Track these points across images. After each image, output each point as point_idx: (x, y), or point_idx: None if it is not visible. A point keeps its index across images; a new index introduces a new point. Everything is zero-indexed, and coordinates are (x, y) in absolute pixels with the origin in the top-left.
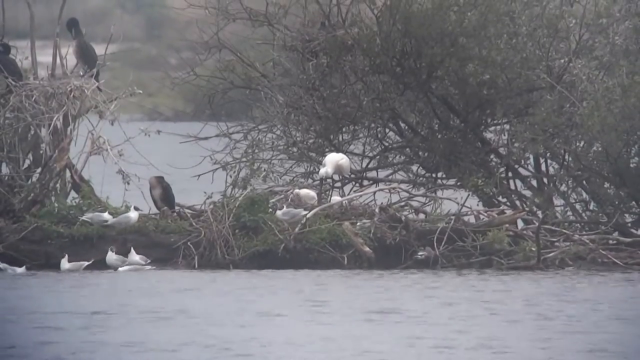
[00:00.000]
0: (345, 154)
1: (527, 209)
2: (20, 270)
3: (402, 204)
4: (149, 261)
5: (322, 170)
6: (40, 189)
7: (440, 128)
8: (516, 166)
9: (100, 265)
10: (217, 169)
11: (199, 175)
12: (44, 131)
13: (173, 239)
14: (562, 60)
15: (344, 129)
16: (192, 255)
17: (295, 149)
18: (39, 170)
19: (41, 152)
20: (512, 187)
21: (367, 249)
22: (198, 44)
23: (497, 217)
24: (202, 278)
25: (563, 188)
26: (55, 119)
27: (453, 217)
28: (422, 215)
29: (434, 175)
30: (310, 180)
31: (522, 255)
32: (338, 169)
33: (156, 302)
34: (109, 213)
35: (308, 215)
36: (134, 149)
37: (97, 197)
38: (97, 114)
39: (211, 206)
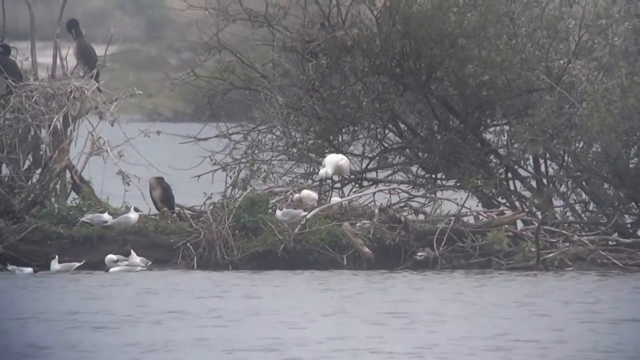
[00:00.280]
0: (345, 154)
1: (526, 209)
2: (28, 271)
3: (402, 204)
4: (149, 263)
5: (322, 171)
6: (40, 190)
7: (439, 129)
8: (516, 167)
9: (102, 266)
10: (217, 169)
11: (198, 176)
12: (44, 132)
13: (173, 240)
14: (562, 61)
15: (343, 130)
16: (192, 256)
17: (295, 150)
18: (39, 171)
19: (41, 153)
20: (512, 187)
21: (366, 249)
22: (198, 45)
23: (496, 217)
24: (202, 278)
25: (562, 189)
26: (55, 119)
27: (452, 218)
28: (421, 216)
29: (433, 176)
30: (310, 181)
31: (522, 256)
32: (338, 170)
33: (157, 303)
34: (109, 214)
35: (308, 216)
36: (134, 150)
37: (97, 198)
38: (97, 114)
39: (211, 207)
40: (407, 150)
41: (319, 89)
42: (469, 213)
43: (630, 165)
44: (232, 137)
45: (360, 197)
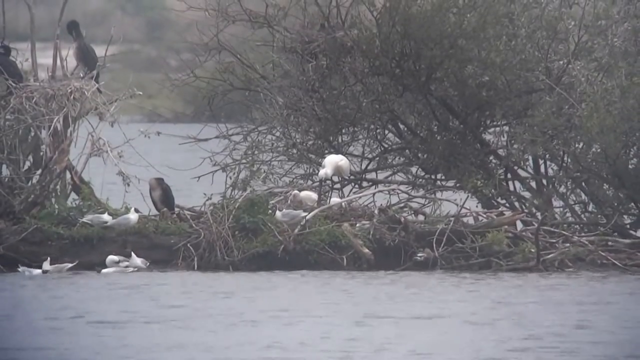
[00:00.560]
0: (344, 155)
1: (526, 210)
2: (37, 272)
3: (402, 205)
4: (147, 264)
5: (322, 172)
6: (40, 191)
7: (439, 129)
8: (515, 168)
9: (101, 267)
10: (216, 170)
11: (198, 177)
12: (44, 133)
13: (173, 241)
14: (561, 62)
15: (343, 131)
16: (192, 257)
17: (294, 151)
18: (39, 171)
19: (41, 153)
20: (511, 188)
21: (366, 250)
22: (198, 46)
23: (496, 218)
24: (203, 278)
25: (562, 189)
26: (55, 120)
27: (452, 219)
28: (421, 217)
29: (433, 176)
30: (309, 182)
31: (522, 257)
32: (337, 171)
33: (156, 304)
34: (109, 214)
35: (307, 217)
36: (134, 151)
37: (97, 199)
38: (97, 115)
39: (211, 208)
40: (407, 150)
41: (318, 89)
42: (468, 214)
43: (630, 166)
44: (232, 138)
45: (360, 197)
